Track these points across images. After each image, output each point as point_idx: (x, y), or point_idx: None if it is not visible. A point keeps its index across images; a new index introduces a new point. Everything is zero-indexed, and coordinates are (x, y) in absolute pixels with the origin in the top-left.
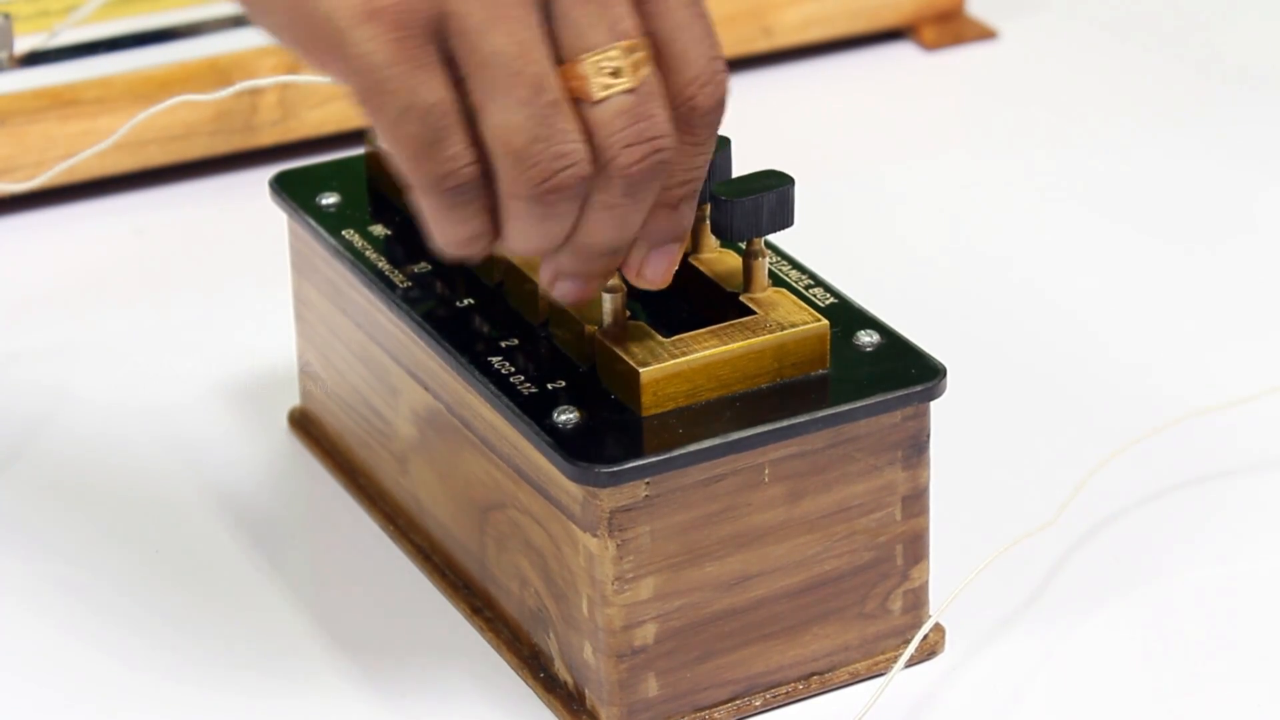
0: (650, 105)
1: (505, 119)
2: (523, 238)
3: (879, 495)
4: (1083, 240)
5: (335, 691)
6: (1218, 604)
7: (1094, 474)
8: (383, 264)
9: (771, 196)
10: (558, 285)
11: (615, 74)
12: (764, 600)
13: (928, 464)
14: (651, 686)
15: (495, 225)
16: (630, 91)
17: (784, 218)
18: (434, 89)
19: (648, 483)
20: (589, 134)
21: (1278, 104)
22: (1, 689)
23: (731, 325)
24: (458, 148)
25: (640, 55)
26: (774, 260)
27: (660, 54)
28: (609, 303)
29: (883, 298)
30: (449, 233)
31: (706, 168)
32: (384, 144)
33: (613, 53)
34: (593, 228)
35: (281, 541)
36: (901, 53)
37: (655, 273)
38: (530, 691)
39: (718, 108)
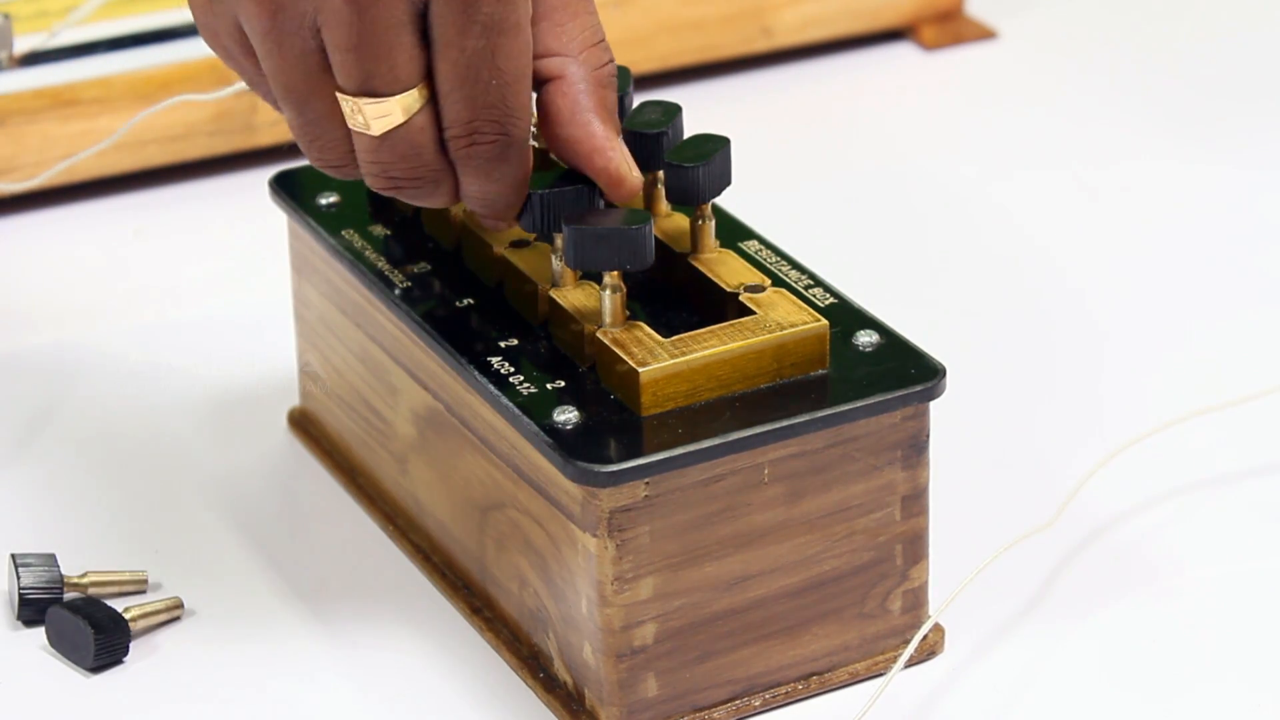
0: (383, 153)
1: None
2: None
3: (878, 495)
4: (1082, 240)
5: (335, 690)
6: (1217, 604)
7: (1094, 474)
8: (382, 264)
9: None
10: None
11: (364, 121)
12: (763, 600)
13: (927, 464)
14: (651, 686)
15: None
16: (374, 137)
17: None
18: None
19: (647, 483)
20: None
21: (1277, 103)
22: (1, 689)
23: (731, 325)
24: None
25: (405, 100)
26: (774, 260)
27: (438, 98)
28: (609, 303)
29: (883, 298)
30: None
31: (508, 184)
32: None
33: (365, 104)
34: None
35: (281, 541)
36: (901, 53)
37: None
38: (530, 691)
39: (483, 153)
